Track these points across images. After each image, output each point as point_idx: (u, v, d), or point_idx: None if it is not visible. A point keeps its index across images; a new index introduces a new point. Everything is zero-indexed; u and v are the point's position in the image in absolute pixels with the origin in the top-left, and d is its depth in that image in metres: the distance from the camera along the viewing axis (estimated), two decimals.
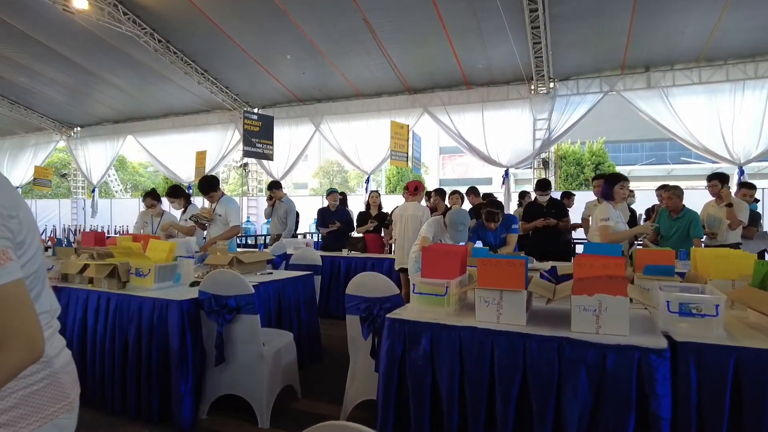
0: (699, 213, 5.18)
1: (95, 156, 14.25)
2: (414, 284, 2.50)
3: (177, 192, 5.64)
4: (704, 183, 5.58)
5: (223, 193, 4.93)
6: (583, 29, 7.70)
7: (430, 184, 25.57)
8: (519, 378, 2.07)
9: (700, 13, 6.97)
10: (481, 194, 6.83)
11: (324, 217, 6.72)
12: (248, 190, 13.21)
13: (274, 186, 6.93)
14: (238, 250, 5.08)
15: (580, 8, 7.18)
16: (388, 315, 2.41)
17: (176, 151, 12.66)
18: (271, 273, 3.93)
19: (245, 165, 12.88)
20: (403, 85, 10.04)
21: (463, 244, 3.90)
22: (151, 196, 5.68)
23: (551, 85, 9.15)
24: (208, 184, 4.82)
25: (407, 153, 9.06)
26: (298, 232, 7.54)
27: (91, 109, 13.06)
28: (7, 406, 1.04)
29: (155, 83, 10.98)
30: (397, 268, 5.20)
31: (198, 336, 2.96)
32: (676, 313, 1.97)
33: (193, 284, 3.30)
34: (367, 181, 10.84)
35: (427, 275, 2.55)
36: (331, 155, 28.29)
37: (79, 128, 14.50)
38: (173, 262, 3.33)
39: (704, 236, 5.29)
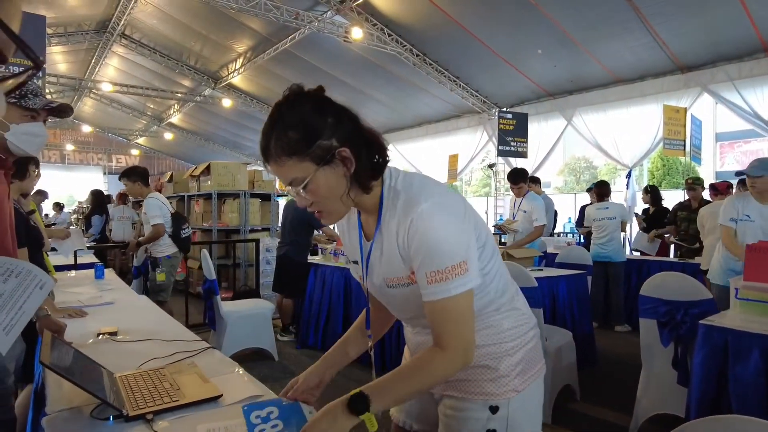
0: None
1: None
2: (736, 288, 2.13)
3: None
4: None
5: (528, 190, 4.82)
6: None
7: (705, 177, 21.54)
8: None
9: None
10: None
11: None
12: (495, 190, 13.39)
13: (532, 180, 6.39)
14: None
15: None
16: (701, 321, 2.12)
17: (429, 156, 13.69)
18: (542, 270, 3.88)
19: (492, 165, 13.09)
20: (673, 64, 8.68)
21: None
22: None
23: None
24: (520, 175, 4.79)
25: (684, 141, 7.81)
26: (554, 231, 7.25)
27: None
28: (517, 359, 1.09)
29: (412, 95, 12.09)
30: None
31: None
32: None
33: None
34: (629, 176, 9.76)
35: (753, 278, 2.15)
36: (577, 151, 26.38)
37: None
38: None
39: None
